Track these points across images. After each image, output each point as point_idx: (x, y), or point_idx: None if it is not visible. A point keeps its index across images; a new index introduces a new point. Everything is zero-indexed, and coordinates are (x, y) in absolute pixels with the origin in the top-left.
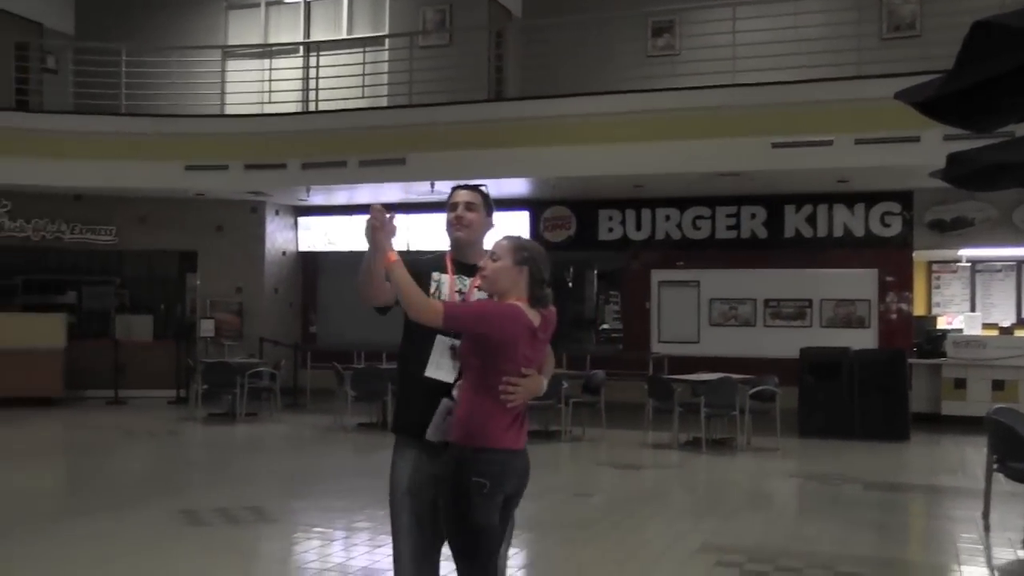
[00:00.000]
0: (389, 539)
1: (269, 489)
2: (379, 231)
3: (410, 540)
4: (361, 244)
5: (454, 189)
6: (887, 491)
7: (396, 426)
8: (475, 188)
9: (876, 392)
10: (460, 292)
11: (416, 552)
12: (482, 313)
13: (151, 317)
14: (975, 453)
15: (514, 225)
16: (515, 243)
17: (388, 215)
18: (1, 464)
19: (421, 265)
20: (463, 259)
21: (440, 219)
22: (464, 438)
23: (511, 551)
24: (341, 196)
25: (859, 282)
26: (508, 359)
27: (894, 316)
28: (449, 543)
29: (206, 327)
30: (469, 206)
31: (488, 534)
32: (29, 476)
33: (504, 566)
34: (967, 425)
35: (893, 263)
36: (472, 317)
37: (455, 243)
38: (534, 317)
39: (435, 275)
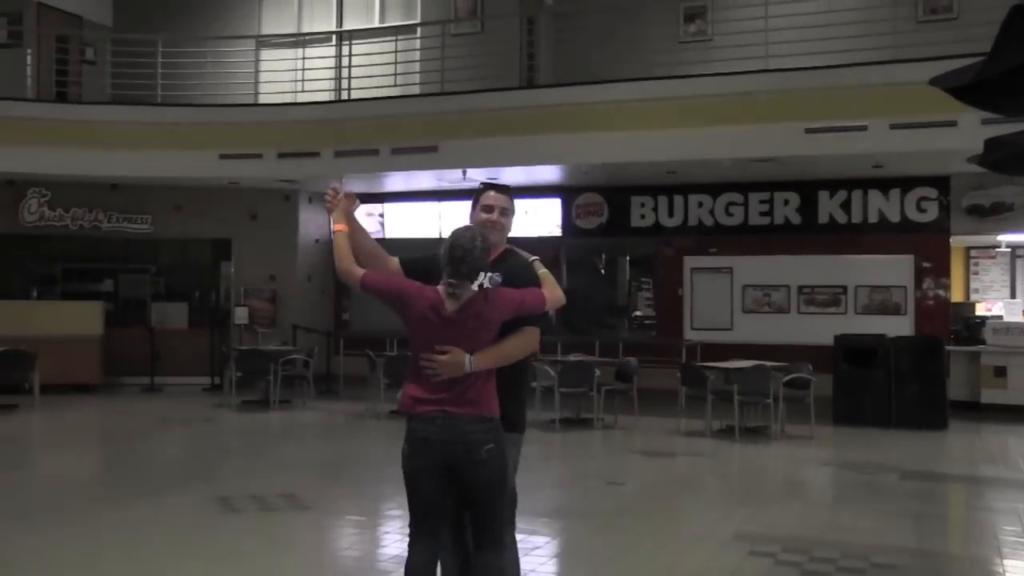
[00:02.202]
0: None
1: (303, 476)
2: (332, 205)
3: None
4: (397, 231)
5: (485, 188)
6: (925, 481)
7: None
8: (508, 190)
9: (913, 380)
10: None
11: None
12: (388, 288)
13: (186, 305)
14: (1017, 443)
15: (546, 212)
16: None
17: (339, 191)
18: (41, 450)
19: (432, 263)
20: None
21: (471, 207)
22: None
23: (531, 538)
24: (374, 184)
25: (895, 268)
26: (412, 334)
27: (931, 302)
28: None
29: (240, 315)
30: (504, 212)
31: (412, 496)
32: (68, 462)
33: (514, 552)
34: (1008, 414)
35: (930, 249)
36: (383, 290)
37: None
38: (449, 299)
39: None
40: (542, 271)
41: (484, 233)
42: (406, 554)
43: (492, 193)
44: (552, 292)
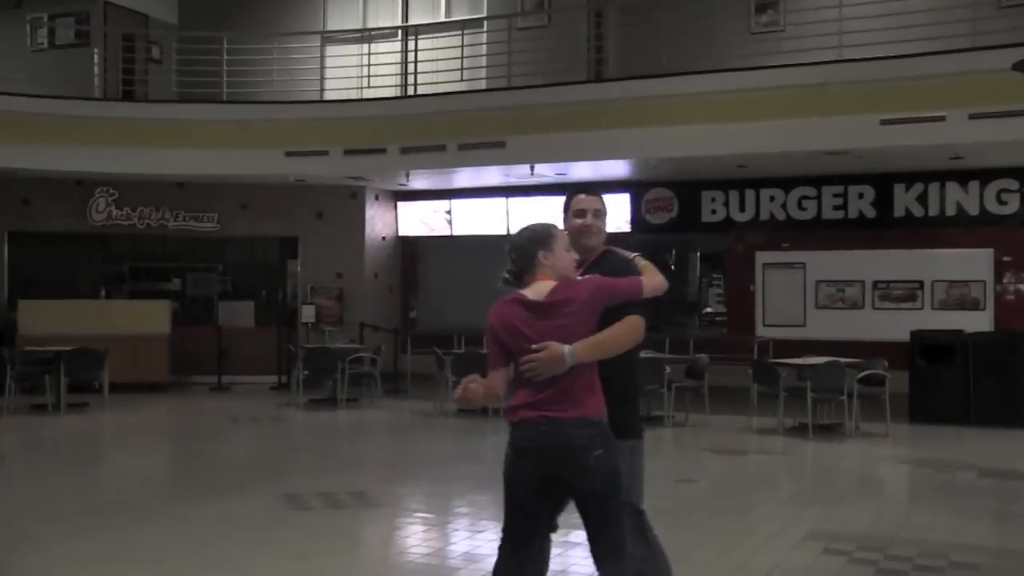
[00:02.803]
0: (490, 524)
1: (371, 474)
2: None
3: None
4: (464, 228)
5: (574, 194)
6: (1005, 479)
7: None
8: (598, 193)
9: (993, 376)
10: None
11: None
12: (492, 342)
13: (253, 303)
14: None
15: (615, 208)
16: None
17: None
18: (112, 448)
19: None
20: (582, 262)
21: (541, 202)
22: None
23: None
24: (440, 180)
25: (973, 262)
26: (512, 352)
27: (1011, 297)
28: None
29: (307, 313)
30: (598, 214)
31: (511, 504)
32: (139, 460)
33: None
34: None
35: (1010, 242)
36: (498, 348)
37: (583, 250)
38: (534, 291)
39: None
40: (643, 263)
41: (585, 243)
42: (495, 557)
43: (582, 196)
44: (652, 278)
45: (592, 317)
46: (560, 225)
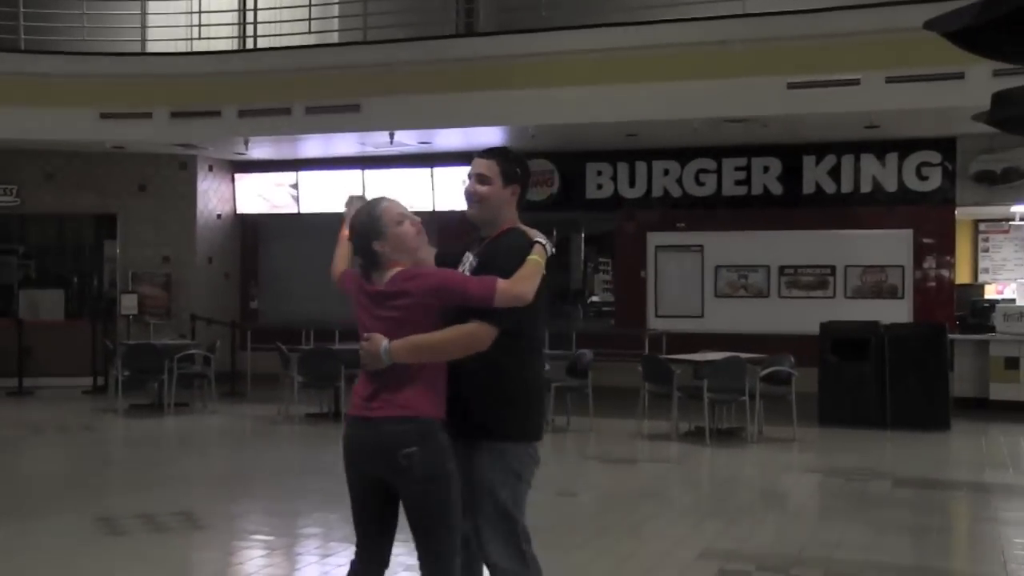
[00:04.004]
0: (342, 547)
1: (202, 491)
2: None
3: None
4: (313, 205)
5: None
6: (924, 488)
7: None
8: (494, 153)
9: (911, 373)
10: None
11: None
12: (342, 285)
13: (62, 292)
14: None
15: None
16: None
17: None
18: None
19: (458, 248)
20: (486, 237)
21: (403, 175)
22: None
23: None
24: (285, 149)
25: (891, 245)
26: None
27: (932, 284)
28: None
29: (128, 303)
30: (481, 178)
31: (352, 506)
32: None
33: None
34: (1020, 412)
35: (932, 222)
36: (345, 289)
37: (476, 222)
38: (378, 276)
39: (467, 255)
40: (532, 258)
41: (468, 212)
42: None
43: (476, 158)
44: (512, 285)
45: (426, 315)
46: None
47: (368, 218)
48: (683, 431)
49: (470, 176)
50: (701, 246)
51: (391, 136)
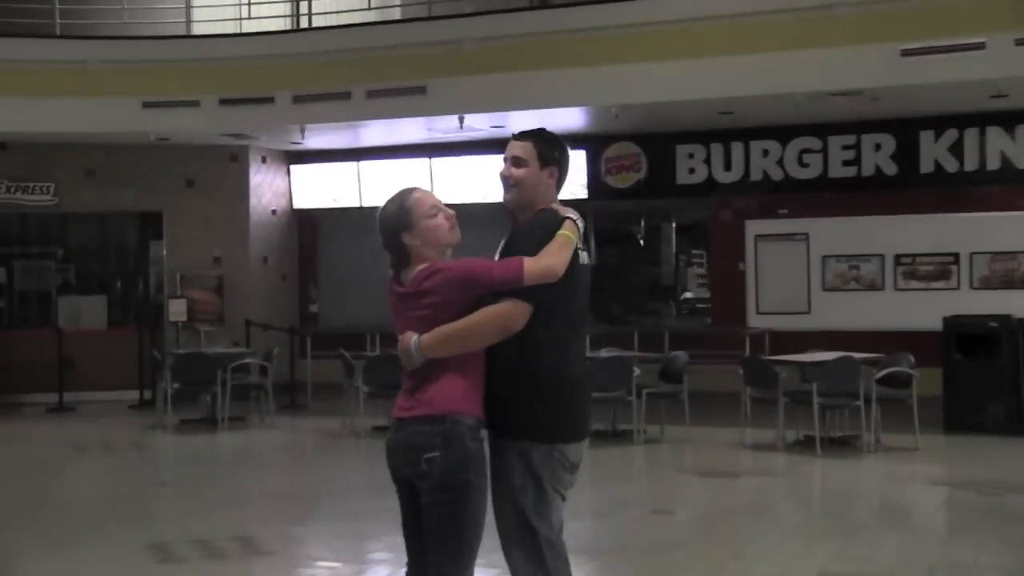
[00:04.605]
0: None
1: (261, 514)
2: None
3: None
4: (376, 197)
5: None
6: None
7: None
8: (530, 135)
9: None
10: None
11: None
12: None
13: (104, 298)
14: None
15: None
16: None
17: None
18: None
19: None
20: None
21: (473, 163)
22: None
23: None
24: (345, 137)
25: (1022, 229)
26: None
27: None
28: None
29: (176, 309)
30: (516, 161)
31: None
32: None
33: None
34: None
35: None
36: None
37: (508, 208)
38: (406, 275)
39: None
40: (562, 232)
41: (504, 197)
42: None
43: (510, 142)
44: (540, 260)
45: (452, 308)
46: None
47: (399, 209)
48: (790, 440)
49: (505, 159)
50: (806, 234)
51: (460, 120)
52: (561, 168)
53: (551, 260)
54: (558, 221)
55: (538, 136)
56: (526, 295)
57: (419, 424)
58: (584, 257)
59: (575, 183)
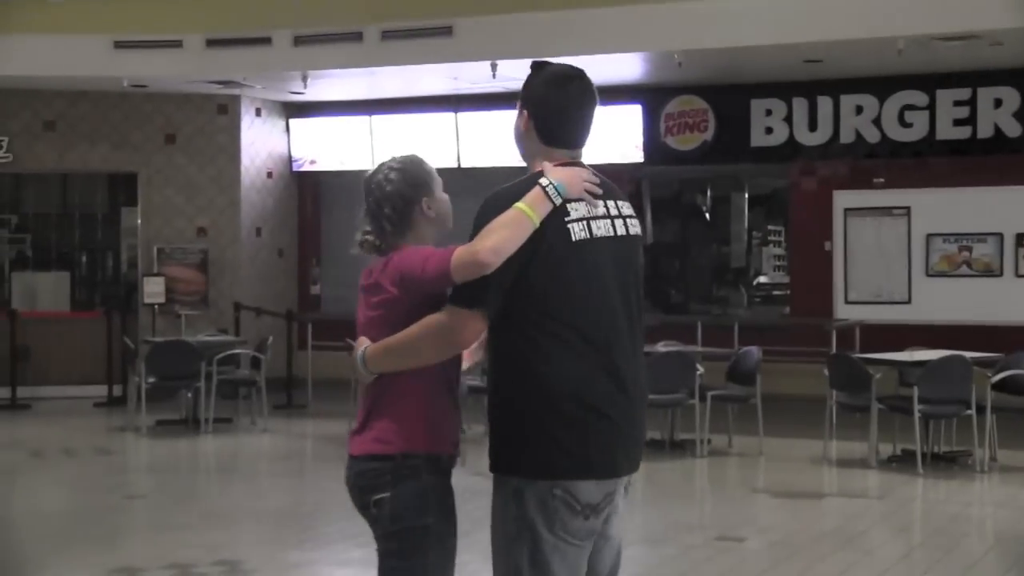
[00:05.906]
0: None
1: (250, 535)
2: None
3: None
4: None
5: None
6: None
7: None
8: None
9: None
10: None
11: None
12: None
13: (67, 276)
14: None
15: (620, 126)
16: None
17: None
18: None
19: None
20: None
21: (507, 118)
22: None
23: None
24: (356, 87)
25: None
26: None
27: None
28: None
29: (152, 289)
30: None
31: None
32: None
33: None
34: None
35: None
36: None
37: None
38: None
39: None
40: (517, 205)
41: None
42: None
43: None
44: (468, 248)
45: (403, 309)
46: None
47: (420, 170)
48: (884, 456)
49: None
50: (907, 208)
51: (493, 68)
52: (535, 108)
53: (479, 247)
54: (522, 189)
55: (531, 69)
56: (469, 298)
57: (364, 462)
58: (578, 231)
59: (629, 144)
